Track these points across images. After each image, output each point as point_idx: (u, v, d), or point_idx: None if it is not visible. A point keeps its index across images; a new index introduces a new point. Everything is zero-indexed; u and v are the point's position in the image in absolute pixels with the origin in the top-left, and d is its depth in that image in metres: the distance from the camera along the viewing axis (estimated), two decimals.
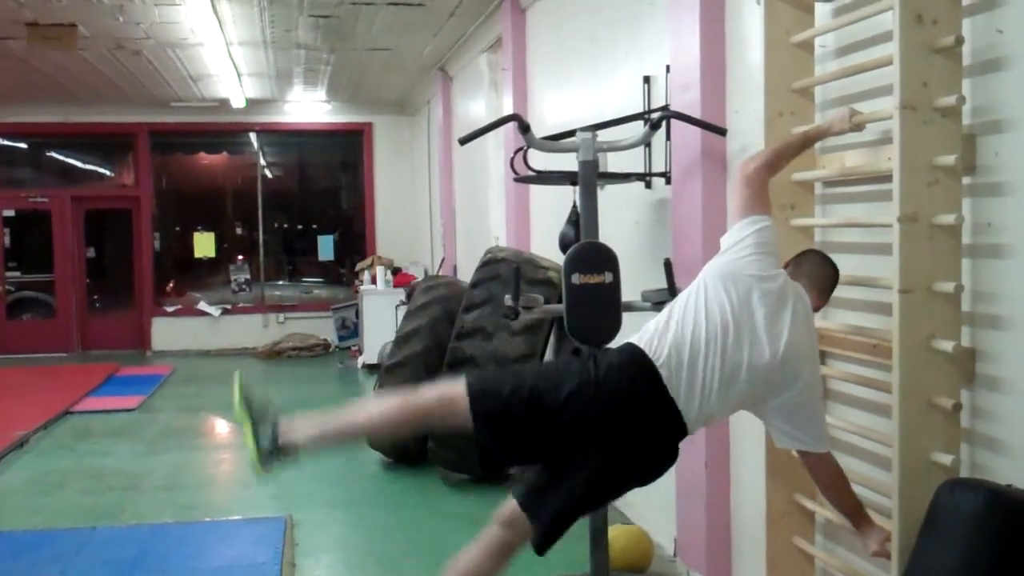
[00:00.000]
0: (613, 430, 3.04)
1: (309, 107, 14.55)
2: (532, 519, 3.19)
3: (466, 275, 8.79)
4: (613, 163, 5.39)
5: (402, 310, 9.87)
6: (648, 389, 3.03)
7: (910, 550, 2.77)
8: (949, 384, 2.92)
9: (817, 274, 3.29)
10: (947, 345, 2.87)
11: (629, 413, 3.04)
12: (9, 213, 14.65)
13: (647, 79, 5.31)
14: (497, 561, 3.31)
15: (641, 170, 5.29)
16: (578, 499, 3.16)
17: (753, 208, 3.29)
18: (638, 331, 3.19)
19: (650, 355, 3.06)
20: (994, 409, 2.90)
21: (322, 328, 14.71)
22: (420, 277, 12.84)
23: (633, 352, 3.10)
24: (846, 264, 3.37)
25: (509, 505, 3.26)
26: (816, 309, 3.30)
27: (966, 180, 2.93)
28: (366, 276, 13.73)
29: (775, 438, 3.25)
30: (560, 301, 4.13)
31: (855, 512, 3.19)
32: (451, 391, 3.15)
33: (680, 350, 3.05)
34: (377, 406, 3.43)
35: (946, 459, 2.87)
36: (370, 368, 12.04)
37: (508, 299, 4.25)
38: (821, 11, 3.68)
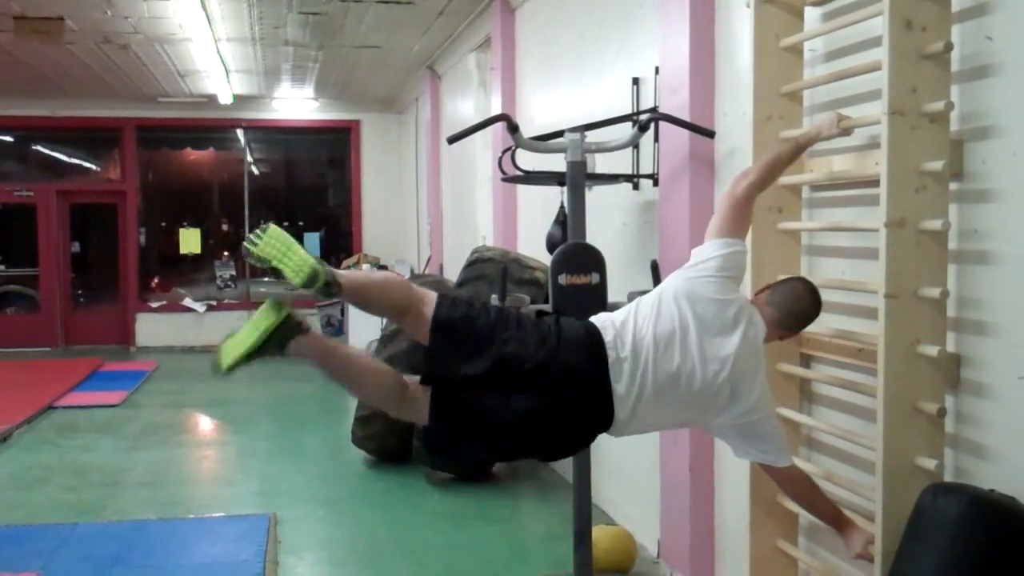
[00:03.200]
0: (547, 386, 3.01)
1: (297, 104, 14.51)
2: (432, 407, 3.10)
3: (452, 274, 8.79)
4: (601, 164, 5.39)
5: None
6: (593, 368, 3.04)
7: (893, 554, 2.78)
8: (934, 389, 2.93)
9: (788, 306, 3.24)
10: (932, 350, 2.88)
11: (568, 381, 3.02)
12: None
13: (636, 80, 5.31)
14: (370, 377, 3.19)
15: (629, 172, 5.29)
16: (482, 417, 3.07)
17: (730, 229, 3.28)
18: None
19: (605, 339, 3.07)
20: (978, 414, 2.91)
21: None
22: (406, 276, 12.82)
23: (590, 331, 3.10)
24: (832, 268, 3.38)
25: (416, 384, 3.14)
26: (781, 338, 3.32)
27: (953, 186, 2.94)
28: None
29: (733, 451, 3.30)
30: (547, 301, 4.13)
31: (834, 517, 3.22)
32: (423, 291, 3.10)
33: (630, 345, 3.07)
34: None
35: (930, 464, 2.88)
36: None
37: (495, 299, 4.25)
38: (810, 15, 3.69)
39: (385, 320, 8.14)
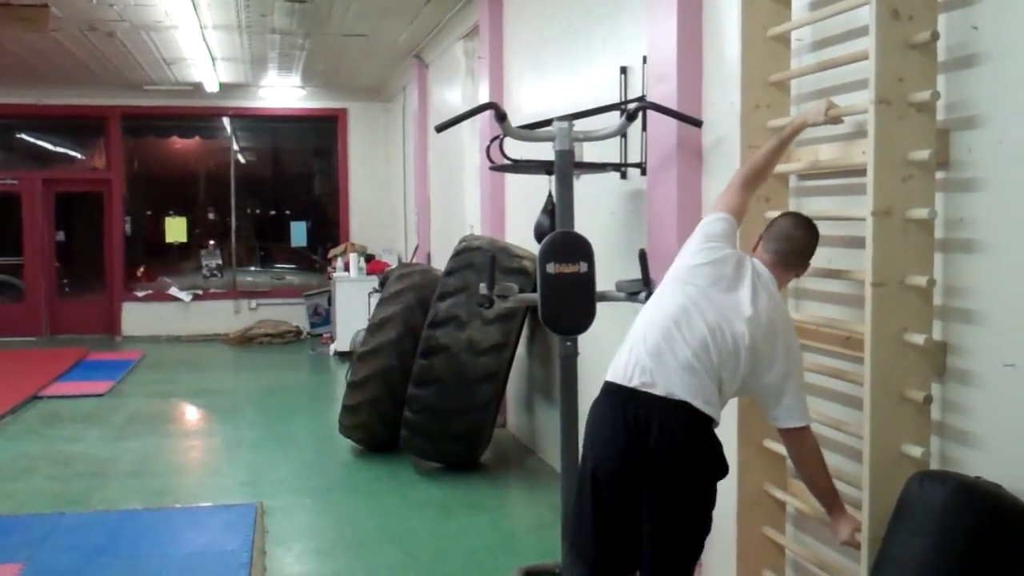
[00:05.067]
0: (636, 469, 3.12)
1: (283, 92, 14.45)
2: None
3: (440, 263, 8.79)
4: (589, 153, 5.40)
5: (375, 298, 9.84)
6: (632, 409, 3.11)
7: (880, 540, 2.80)
8: (920, 377, 2.94)
9: (779, 246, 3.27)
10: (919, 338, 2.89)
11: (634, 442, 3.11)
12: None
13: (624, 69, 5.31)
14: None
15: (617, 160, 5.30)
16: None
17: (714, 208, 3.42)
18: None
19: (619, 379, 3.17)
20: (964, 402, 2.93)
21: (294, 315, 14.66)
22: (394, 265, 12.81)
23: (604, 391, 3.25)
24: (819, 256, 3.38)
25: None
26: (798, 275, 3.35)
27: (940, 175, 2.95)
28: (339, 263, 13.69)
29: (768, 417, 3.25)
30: (535, 290, 4.14)
31: (829, 496, 3.19)
32: None
33: (650, 353, 3.13)
34: None
35: (916, 451, 2.89)
36: (342, 355, 12.02)
37: (483, 287, 4.25)
38: (798, 5, 3.70)
39: (372, 309, 8.14)
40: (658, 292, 3.32)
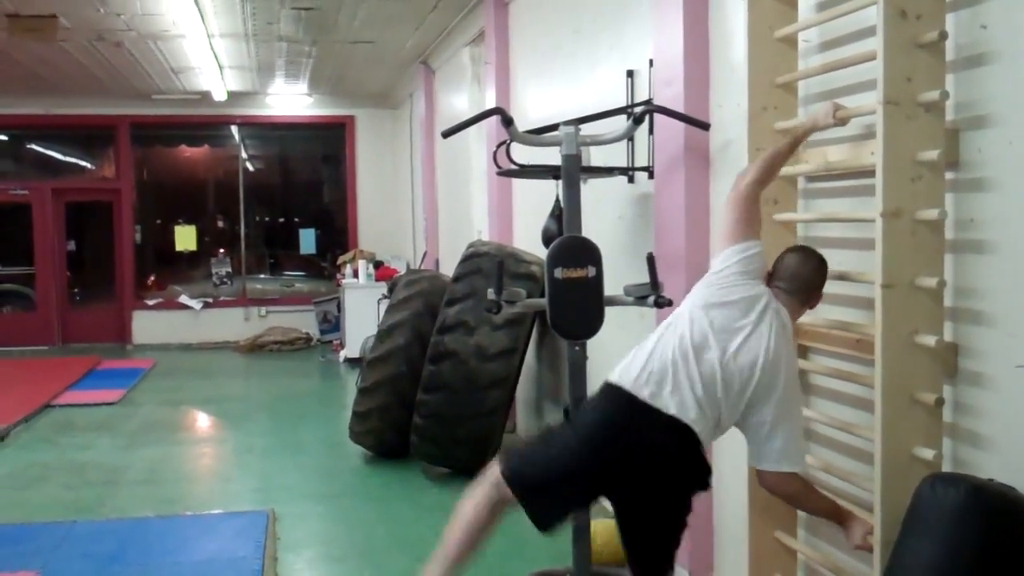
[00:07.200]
0: (618, 469, 3.18)
1: (291, 100, 14.48)
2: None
3: (448, 269, 8.79)
4: (596, 157, 5.39)
5: (384, 304, 9.84)
6: (628, 417, 3.17)
7: (892, 544, 2.78)
8: (931, 379, 2.93)
9: (792, 281, 3.29)
10: (929, 340, 2.88)
11: (618, 448, 3.17)
12: None
13: (630, 73, 5.30)
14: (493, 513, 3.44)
15: (624, 164, 5.29)
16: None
17: (743, 232, 3.34)
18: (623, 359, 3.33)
19: (626, 385, 3.19)
20: (976, 404, 2.91)
21: (304, 322, 14.67)
22: (402, 271, 12.79)
23: (605, 392, 3.29)
24: (828, 259, 3.37)
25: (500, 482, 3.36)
26: (811, 307, 3.36)
27: (949, 175, 2.93)
28: (348, 270, 13.70)
29: (750, 455, 3.27)
30: (543, 295, 4.13)
31: (832, 512, 3.22)
32: (491, 492, 3.39)
33: (663, 368, 3.16)
34: (454, 540, 3.61)
35: (928, 454, 2.88)
36: (352, 362, 12.02)
37: (491, 293, 4.24)
38: (804, 6, 3.68)
39: (381, 315, 8.13)
40: (685, 307, 3.31)
